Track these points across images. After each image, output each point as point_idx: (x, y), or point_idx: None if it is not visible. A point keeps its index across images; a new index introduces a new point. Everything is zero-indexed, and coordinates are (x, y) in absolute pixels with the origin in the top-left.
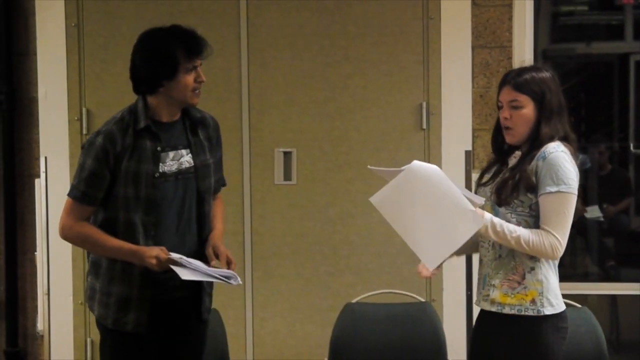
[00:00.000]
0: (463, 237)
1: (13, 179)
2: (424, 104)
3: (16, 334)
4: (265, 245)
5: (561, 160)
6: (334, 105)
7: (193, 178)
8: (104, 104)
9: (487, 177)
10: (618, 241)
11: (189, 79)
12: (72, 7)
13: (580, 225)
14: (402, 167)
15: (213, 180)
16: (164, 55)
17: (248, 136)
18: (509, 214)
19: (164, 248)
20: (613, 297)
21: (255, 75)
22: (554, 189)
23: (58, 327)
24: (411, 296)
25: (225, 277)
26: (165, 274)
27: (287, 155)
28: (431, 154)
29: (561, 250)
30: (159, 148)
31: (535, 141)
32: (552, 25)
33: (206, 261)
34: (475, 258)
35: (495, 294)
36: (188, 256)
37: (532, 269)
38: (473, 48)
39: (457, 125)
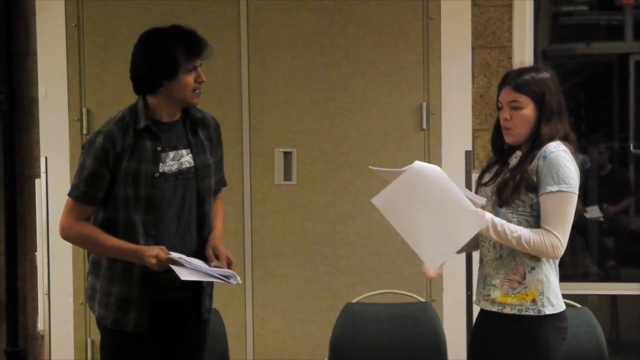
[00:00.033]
0: (465, 237)
1: (13, 179)
2: (424, 104)
3: (16, 334)
4: (265, 245)
5: (562, 159)
6: (334, 105)
7: (193, 178)
8: (104, 104)
9: (487, 177)
10: (618, 241)
11: (189, 79)
12: (73, 7)
13: (580, 226)
14: (404, 168)
15: (213, 180)
16: (164, 55)
17: (248, 136)
18: (510, 214)
19: (163, 247)
20: (613, 297)
21: (255, 76)
22: (554, 188)
23: (58, 327)
24: (411, 296)
25: (225, 276)
26: (166, 274)
27: (287, 155)
28: (431, 154)
29: (562, 250)
30: (159, 148)
31: (535, 141)
32: (552, 25)
33: (206, 261)
34: (475, 258)
35: (496, 294)
36: (188, 256)
37: (533, 268)
38: (473, 48)
39: (457, 125)
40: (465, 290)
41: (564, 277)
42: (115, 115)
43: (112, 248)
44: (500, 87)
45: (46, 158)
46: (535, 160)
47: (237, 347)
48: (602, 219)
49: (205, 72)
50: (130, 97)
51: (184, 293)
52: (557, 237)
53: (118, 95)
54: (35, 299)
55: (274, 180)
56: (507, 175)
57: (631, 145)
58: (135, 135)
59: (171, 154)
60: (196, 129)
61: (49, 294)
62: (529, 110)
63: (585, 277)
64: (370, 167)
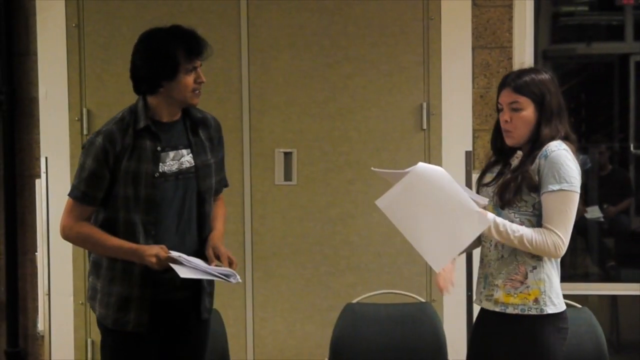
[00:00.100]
0: (469, 238)
1: (13, 179)
2: (424, 105)
3: (17, 334)
4: (265, 245)
5: (563, 158)
6: (334, 105)
7: (194, 178)
8: (104, 104)
9: (489, 177)
10: (618, 241)
11: (189, 79)
12: (73, 7)
13: (580, 226)
14: (407, 169)
15: (214, 180)
16: (164, 55)
17: (248, 136)
18: (513, 214)
19: (163, 246)
20: (613, 298)
21: (255, 76)
22: (556, 187)
23: (58, 328)
24: (411, 296)
25: (225, 275)
26: (166, 274)
27: (287, 155)
28: (431, 155)
29: (564, 249)
30: (158, 148)
31: (535, 142)
32: (553, 25)
33: (206, 260)
34: (476, 258)
35: (499, 294)
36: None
37: (535, 268)
38: (473, 48)
39: (458, 125)
40: (465, 290)
41: (564, 278)
42: (115, 115)
43: (112, 248)
44: (500, 89)
45: (46, 158)
46: (537, 160)
47: (237, 347)
48: (602, 219)
49: (205, 72)
50: (130, 97)
51: (184, 293)
52: (559, 236)
53: (118, 95)
54: (35, 299)
55: (274, 180)
56: (508, 177)
57: (631, 146)
58: (135, 135)
59: (171, 154)
60: (197, 128)
61: (49, 294)
62: (529, 111)
63: (586, 278)
64: (372, 168)
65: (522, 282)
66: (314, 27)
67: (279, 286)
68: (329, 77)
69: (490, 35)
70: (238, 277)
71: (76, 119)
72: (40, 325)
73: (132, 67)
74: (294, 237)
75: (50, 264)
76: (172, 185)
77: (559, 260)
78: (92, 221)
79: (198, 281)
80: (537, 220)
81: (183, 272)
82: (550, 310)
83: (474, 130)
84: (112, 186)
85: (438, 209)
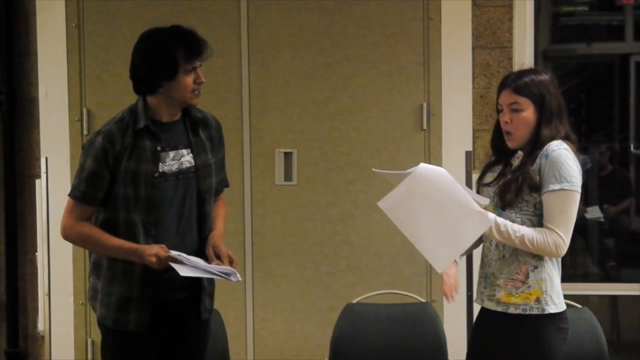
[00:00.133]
0: (471, 238)
1: (13, 179)
2: (425, 105)
3: (17, 334)
4: (265, 245)
5: (564, 157)
6: (335, 105)
7: (194, 178)
8: (104, 104)
9: (490, 177)
10: (618, 242)
11: (188, 80)
12: (73, 7)
13: (580, 226)
14: (408, 170)
15: (215, 180)
16: (164, 55)
17: (249, 137)
18: (514, 214)
19: (163, 246)
20: (613, 298)
21: (255, 76)
22: (556, 186)
23: (59, 328)
24: (412, 296)
25: (225, 273)
26: (166, 274)
27: (287, 155)
28: (431, 155)
29: (565, 248)
30: (158, 148)
31: (536, 143)
32: (553, 25)
33: (206, 259)
34: (476, 258)
35: (501, 294)
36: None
37: (536, 267)
38: (473, 48)
39: (458, 125)
40: (465, 290)
41: (564, 278)
42: (115, 115)
43: (112, 248)
44: (499, 90)
45: (46, 158)
46: (538, 160)
47: (238, 347)
48: (602, 220)
49: (205, 72)
50: (130, 97)
51: (184, 293)
52: (560, 236)
53: (118, 95)
54: (35, 299)
55: (274, 180)
56: (508, 178)
57: (632, 146)
58: (135, 135)
59: (171, 154)
60: (197, 128)
61: (49, 294)
62: (529, 112)
63: (586, 278)
64: (373, 169)
65: (523, 282)
66: (314, 27)
67: (279, 286)
68: (329, 77)
69: (490, 35)
70: (238, 275)
71: (76, 119)
72: (41, 326)
73: (131, 67)
74: (294, 237)
75: (50, 264)
76: (172, 185)
77: (559, 260)
78: (93, 221)
79: (198, 281)
80: (538, 220)
81: (183, 271)
82: (551, 309)
83: (474, 130)
84: (112, 186)
85: (440, 210)
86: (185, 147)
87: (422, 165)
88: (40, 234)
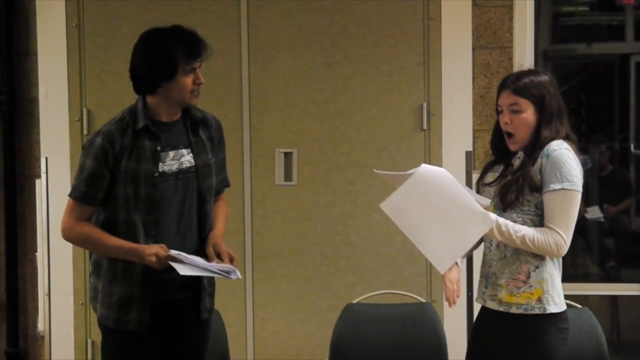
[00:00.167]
0: (473, 239)
1: (13, 179)
2: (425, 105)
3: (17, 334)
4: (265, 245)
5: (565, 157)
6: (335, 105)
7: (194, 177)
8: (104, 104)
9: (491, 177)
10: (618, 242)
11: (188, 80)
12: (73, 7)
13: (580, 226)
14: (409, 171)
15: (215, 180)
16: (164, 55)
17: (249, 137)
18: (515, 214)
19: (163, 245)
20: (614, 298)
21: (255, 76)
22: (557, 186)
23: (59, 328)
24: (412, 297)
25: (225, 271)
26: (167, 274)
27: (287, 155)
28: (432, 155)
29: (566, 248)
30: (158, 148)
31: (536, 144)
32: (553, 25)
33: (207, 259)
34: (476, 258)
35: (502, 294)
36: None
37: (537, 267)
38: (473, 49)
39: (458, 125)
40: (465, 290)
41: (564, 278)
42: (115, 115)
43: (112, 248)
44: (499, 91)
45: (46, 158)
46: (539, 159)
47: (238, 347)
48: (602, 220)
49: (205, 72)
50: (130, 97)
51: (184, 294)
52: (561, 235)
53: (118, 96)
54: (35, 300)
55: (274, 180)
56: (509, 179)
57: (632, 146)
58: (135, 135)
59: (171, 154)
60: (197, 128)
61: (49, 295)
62: (529, 113)
63: (586, 278)
64: (375, 170)
65: (524, 282)
66: (314, 27)
67: (279, 286)
68: (329, 77)
69: (490, 35)
70: (238, 273)
71: (76, 119)
72: (41, 326)
73: (131, 67)
74: (294, 237)
75: (50, 264)
76: (172, 185)
77: (560, 260)
78: (93, 221)
79: (198, 282)
80: (539, 219)
81: (183, 270)
82: (552, 309)
83: (474, 131)
84: (112, 186)
85: (442, 211)
86: (185, 147)
87: (424, 166)
88: (40, 234)
